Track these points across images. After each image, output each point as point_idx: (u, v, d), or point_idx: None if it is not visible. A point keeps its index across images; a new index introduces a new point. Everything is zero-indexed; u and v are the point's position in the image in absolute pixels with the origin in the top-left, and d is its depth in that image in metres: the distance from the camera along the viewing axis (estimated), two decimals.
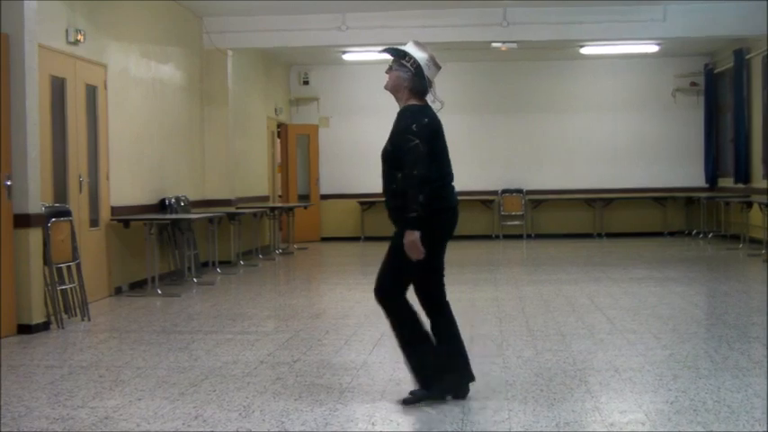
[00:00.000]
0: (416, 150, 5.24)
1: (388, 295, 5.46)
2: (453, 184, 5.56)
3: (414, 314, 5.52)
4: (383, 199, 5.53)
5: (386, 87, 5.57)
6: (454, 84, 19.79)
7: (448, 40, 15.27)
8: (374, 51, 15.94)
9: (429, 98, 5.54)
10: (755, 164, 16.68)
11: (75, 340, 8.11)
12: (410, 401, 5.45)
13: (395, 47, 5.57)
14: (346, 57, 17.42)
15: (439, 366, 5.49)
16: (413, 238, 5.23)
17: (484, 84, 19.97)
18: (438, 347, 5.53)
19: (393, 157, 5.36)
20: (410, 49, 5.50)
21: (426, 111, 5.46)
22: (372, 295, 5.51)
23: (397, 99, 5.54)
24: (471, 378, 5.62)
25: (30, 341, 8.00)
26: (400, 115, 5.44)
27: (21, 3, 8.38)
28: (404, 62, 5.47)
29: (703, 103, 19.50)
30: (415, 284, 5.58)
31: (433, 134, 5.38)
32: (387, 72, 5.55)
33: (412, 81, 5.46)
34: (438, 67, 5.54)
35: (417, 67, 5.44)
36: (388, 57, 5.58)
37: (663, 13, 14.47)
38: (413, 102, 5.48)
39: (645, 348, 7.14)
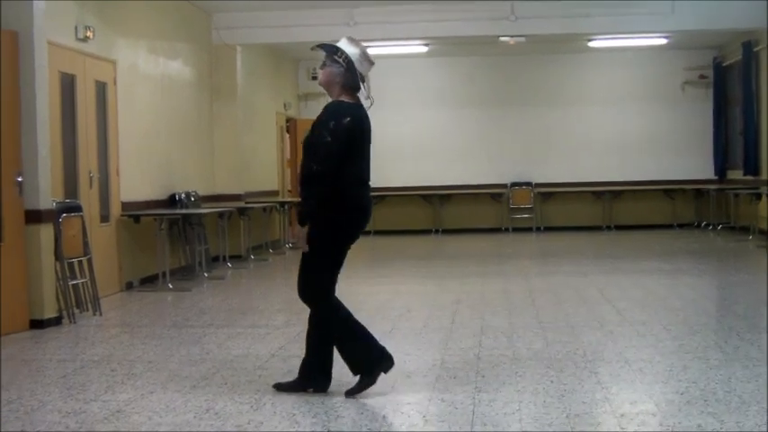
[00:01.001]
0: (325, 148, 5.26)
1: (319, 297, 5.57)
2: (369, 185, 5.60)
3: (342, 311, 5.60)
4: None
5: (319, 83, 5.60)
6: (462, 78, 19.87)
7: (456, 34, 15.29)
8: (382, 46, 16.02)
9: (362, 94, 5.51)
10: (764, 156, 16.63)
11: (87, 335, 8.15)
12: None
13: (328, 43, 5.58)
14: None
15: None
16: (302, 232, 5.40)
17: (492, 78, 19.95)
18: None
19: (310, 147, 5.38)
20: (342, 44, 5.52)
21: (352, 110, 5.43)
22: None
23: (330, 94, 5.55)
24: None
25: (42, 336, 8.05)
26: (324, 109, 5.44)
27: (30, 1, 8.41)
28: (336, 57, 5.47)
29: (712, 96, 19.45)
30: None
31: (353, 134, 5.37)
32: (320, 68, 5.56)
33: (343, 76, 5.46)
34: (371, 63, 5.54)
35: (348, 62, 5.44)
36: (323, 52, 5.57)
37: (671, 6, 14.43)
38: (344, 98, 5.48)
39: (655, 339, 7.15)
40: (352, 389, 5.51)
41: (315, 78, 19.80)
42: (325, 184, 5.27)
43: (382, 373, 5.56)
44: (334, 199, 5.33)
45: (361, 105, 5.54)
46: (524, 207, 19.89)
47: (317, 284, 5.55)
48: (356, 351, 5.56)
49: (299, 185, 5.44)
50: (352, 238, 5.57)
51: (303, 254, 5.55)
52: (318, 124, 5.37)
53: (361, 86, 5.50)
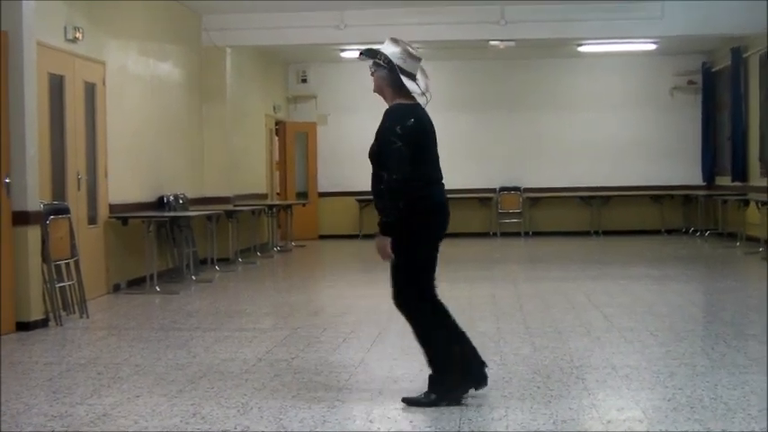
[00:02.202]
0: (398, 153, 5.21)
1: (407, 299, 5.45)
2: (444, 183, 5.53)
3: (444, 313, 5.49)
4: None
5: (374, 91, 5.54)
6: (452, 82, 19.83)
7: (446, 38, 15.30)
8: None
9: (416, 92, 5.44)
10: (753, 162, 16.69)
11: (74, 337, 8.13)
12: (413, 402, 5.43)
13: (369, 48, 5.53)
14: (344, 54, 17.43)
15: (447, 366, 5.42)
16: (384, 243, 5.26)
17: (482, 82, 19.97)
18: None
19: (379, 157, 5.32)
20: (384, 46, 5.45)
21: (414, 110, 5.41)
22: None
23: (385, 100, 5.49)
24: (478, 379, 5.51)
25: (28, 338, 8.01)
26: (385, 115, 5.38)
27: (19, 1, 8.38)
28: (378, 61, 5.42)
29: (701, 102, 19.49)
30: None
31: (419, 136, 5.34)
32: (371, 75, 5.49)
33: (390, 78, 5.40)
34: (416, 59, 5.43)
35: (389, 62, 5.37)
36: (369, 59, 5.49)
37: (661, 11, 14.46)
38: (399, 100, 5.42)
39: (642, 346, 7.16)
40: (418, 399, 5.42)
41: (304, 81, 19.86)
42: (406, 190, 5.23)
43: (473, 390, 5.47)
44: (411, 202, 5.27)
45: (419, 104, 5.50)
46: (513, 212, 19.91)
47: (408, 292, 5.43)
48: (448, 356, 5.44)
49: (377, 196, 5.30)
50: (437, 239, 5.49)
51: (392, 262, 5.40)
52: (384, 131, 5.30)
53: (413, 84, 5.43)
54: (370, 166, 5.39)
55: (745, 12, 14.17)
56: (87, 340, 8.04)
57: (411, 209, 5.26)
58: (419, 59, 5.47)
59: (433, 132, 5.56)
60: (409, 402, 5.38)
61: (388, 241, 5.26)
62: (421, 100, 5.51)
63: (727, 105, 17.99)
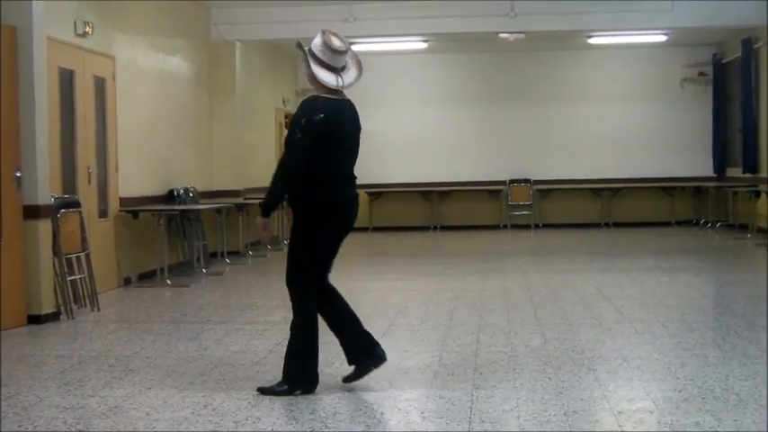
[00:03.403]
0: (297, 144, 5.28)
1: (295, 284, 5.54)
2: (355, 180, 5.58)
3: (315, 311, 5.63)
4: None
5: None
6: (462, 74, 19.86)
7: (455, 30, 15.30)
8: (381, 42, 16.01)
9: (331, 84, 5.40)
10: (763, 153, 16.63)
11: (85, 330, 8.15)
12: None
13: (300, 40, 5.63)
14: (353, 48, 17.41)
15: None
16: (263, 222, 5.51)
17: (491, 74, 19.94)
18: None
19: (285, 144, 5.44)
20: (316, 39, 5.48)
21: (327, 104, 5.36)
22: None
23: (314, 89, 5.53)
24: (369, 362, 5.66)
25: (39, 331, 8.04)
26: (300, 105, 5.42)
27: None
28: (302, 53, 5.50)
29: (711, 93, 19.44)
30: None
31: (328, 130, 5.31)
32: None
33: (307, 71, 5.45)
34: (333, 52, 5.39)
35: (305, 54, 5.44)
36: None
37: (671, 3, 14.44)
38: (321, 92, 5.42)
39: (653, 337, 7.15)
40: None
41: None
42: (295, 179, 5.31)
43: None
44: (312, 194, 5.35)
45: (341, 99, 5.49)
46: (523, 204, 19.89)
47: (296, 273, 5.52)
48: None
49: (273, 177, 5.43)
50: (335, 232, 5.56)
51: (289, 243, 5.62)
52: (292, 121, 5.40)
53: (328, 76, 5.39)
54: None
55: (755, 3, 14.13)
56: (98, 333, 8.06)
57: (306, 202, 5.37)
58: (342, 52, 5.44)
59: (352, 131, 5.56)
60: (263, 391, 5.51)
61: (266, 221, 5.50)
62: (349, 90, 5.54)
63: (738, 97, 17.94)
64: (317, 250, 5.52)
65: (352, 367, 5.65)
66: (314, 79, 5.43)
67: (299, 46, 5.58)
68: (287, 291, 5.60)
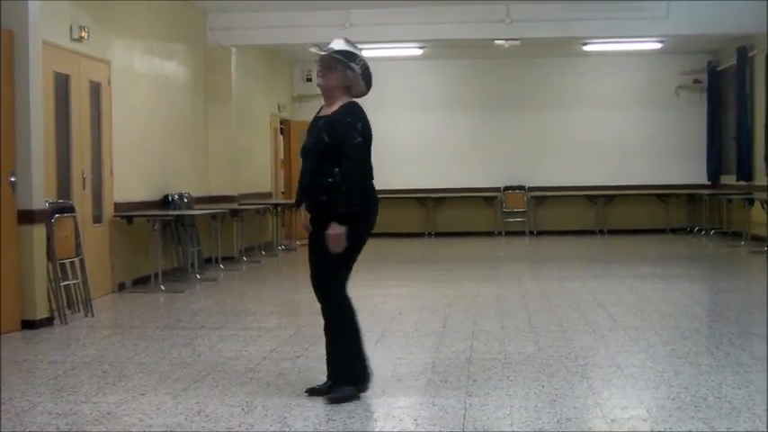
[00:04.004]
0: (360, 147, 5.35)
1: (334, 298, 5.55)
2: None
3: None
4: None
5: (323, 85, 5.56)
6: (457, 81, 19.89)
7: (451, 37, 15.33)
8: (377, 49, 16.01)
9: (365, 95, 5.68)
10: (758, 161, 16.65)
11: (79, 336, 8.14)
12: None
13: (344, 49, 5.58)
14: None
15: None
16: (341, 231, 5.32)
17: (486, 81, 19.96)
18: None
19: (330, 150, 5.37)
20: (355, 49, 5.58)
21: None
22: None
23: (331, 97, 5.54)
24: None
25: (33, 337, 8.03)
26: (345, 110, 5.44)
27: (26, 1, 8.39)
28: (353, 64, 5.52)
29: (706, 101, 19.49)
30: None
31: (369, 135, 5.47)
32: (326, 70, 5.53)
33: (355, 81, 5.54)
34: (370, 71, 5.68)
35: (365, 69, 5.57)
36: (340, 56, 5.53)
37: (666, 10, 14.46)
38: (346, 98, 5.53)
39: (647, 345, 7.16)
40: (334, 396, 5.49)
41: (309, 80, 19.85)
42: (363, 186, 5.40)
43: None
44: (363, 198, 5.40)
45: None
46: (517, 211, 19.90)
47: (333, 284, 5.56)
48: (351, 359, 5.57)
49: (348, 185, 5.31)
50: (369, 233, 5.63)
51: (322, 253, 5.48)
52: (346, 125, 5.37)
53: (363, 88, 5.62)
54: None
55: (751, 11, 14.15)
56: (92, 339, 8.05)
57: (362, 202, 5.41)
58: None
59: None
60: (336, 400, 5.44)
61: (344, 230, 5.34)
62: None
63: (733, 104, 17.97)
64: (357, 255, 5.59)
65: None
66: (347, 85, 5.52)
67: (349, 54, 5.54)
68: (319, 302, 5.62)
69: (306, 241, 5.71)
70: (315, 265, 5.58)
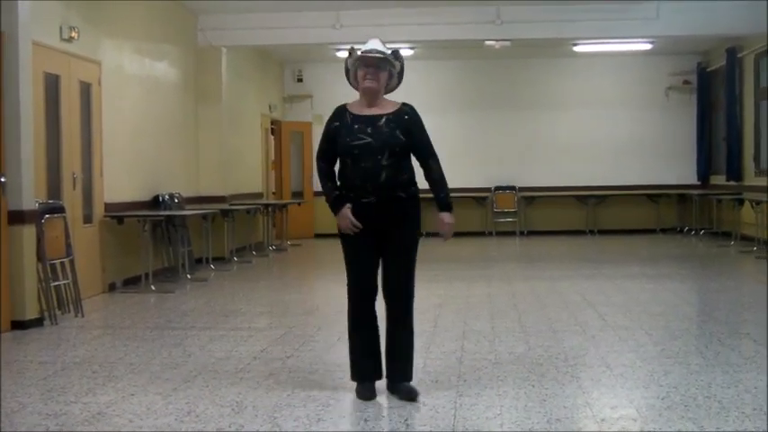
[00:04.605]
0: (432, 146, 5.75)
1: (413, 292, 5.73)
2: None
3: None
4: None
5: (375, 87, 5.65)
6: (447, 81, 19.90)
7: (441, 38, 15.33)
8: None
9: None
10: (747, 161, 16.73)
11: (69, 336, 8.12)
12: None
13: (390, 49, 5.66)
14: (340, 54, 17.43)
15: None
16: (453, 219, 5.75)
17: (477, 81, 19.99)
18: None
19: (406, 148, 5.62)
20: (387, 48, 5.67)
21: None
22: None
23: (374, 98, 5.68)
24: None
25: (23, 337, 8.01)
26: (411, 110, 5.70)
27: (15, 1, 8.38)
28: (396, 63, 5.69)
29: (696, 102, 19.55)
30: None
31: None
32: (381, 71, 5.60)
33: (395, 80, 5.76)
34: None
35: (402, 67, 5.74)
36: (392, 57, 5.66)
37: (656, 11, 14.49)
38: (392, 99, 5.77)
39: (636, 344, 7.18)
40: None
41: (300, 81, 19.86)
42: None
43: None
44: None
45: None
46: (508, 211, 19.94)
47: (413, 279, 5.76)
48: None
49: (441, 180, 5.86)
50: None
51: (412, 248, 5.80)
52: (418, 125, 5.70)
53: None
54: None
55: (741, 12, 14.20)
56: (82, 339, 8.03)
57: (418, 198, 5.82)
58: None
59: None
60: (417, 393, 5.50)
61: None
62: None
63: (722, 105, 18.04)
64: None
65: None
66: (389, 88, 5.75)
67: (396, 55, 5.68)
68: (346, 302, 5.80)
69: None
70: (403, 261, 5.70)
